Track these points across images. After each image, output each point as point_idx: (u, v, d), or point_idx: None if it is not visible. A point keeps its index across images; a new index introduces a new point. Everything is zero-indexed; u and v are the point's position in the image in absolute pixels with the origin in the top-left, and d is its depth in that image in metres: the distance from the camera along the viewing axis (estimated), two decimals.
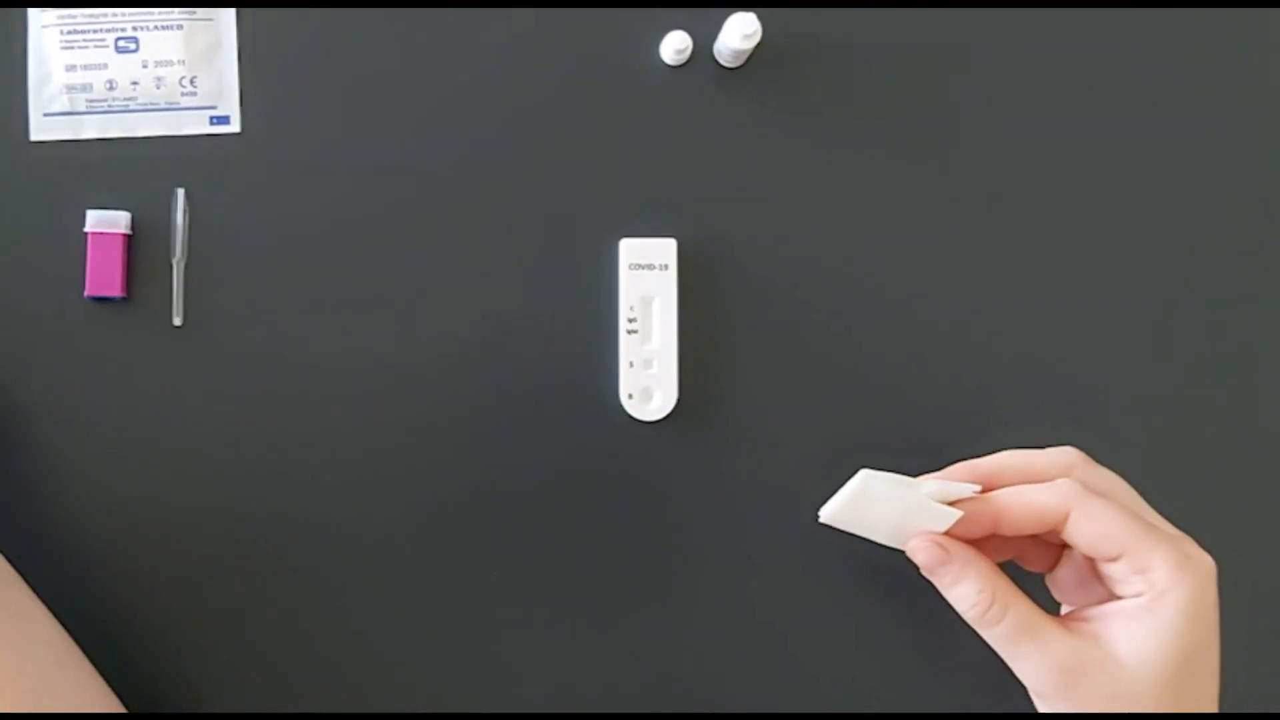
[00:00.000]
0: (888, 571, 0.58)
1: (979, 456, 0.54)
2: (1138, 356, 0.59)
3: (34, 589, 0.53)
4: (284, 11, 0.58)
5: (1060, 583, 0.52)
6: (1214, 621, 0.47)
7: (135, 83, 0.57)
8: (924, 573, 0.50)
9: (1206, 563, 0.47)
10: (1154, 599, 0.46)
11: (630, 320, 0.57)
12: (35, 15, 0.57)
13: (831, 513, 0.51)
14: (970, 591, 0.48)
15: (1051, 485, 0.48)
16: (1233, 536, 0.59)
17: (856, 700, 0.58)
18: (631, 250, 0.57)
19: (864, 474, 0.49)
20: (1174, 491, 0.56)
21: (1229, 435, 0.59)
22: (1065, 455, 0.51)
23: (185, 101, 0.57)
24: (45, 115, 0.57)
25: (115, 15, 0.57)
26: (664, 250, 0.57)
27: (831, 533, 0.58)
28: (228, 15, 0.58)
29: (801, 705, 0.58)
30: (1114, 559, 0.47)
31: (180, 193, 0.57)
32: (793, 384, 0.58)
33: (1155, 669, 0.45)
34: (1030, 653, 0.47)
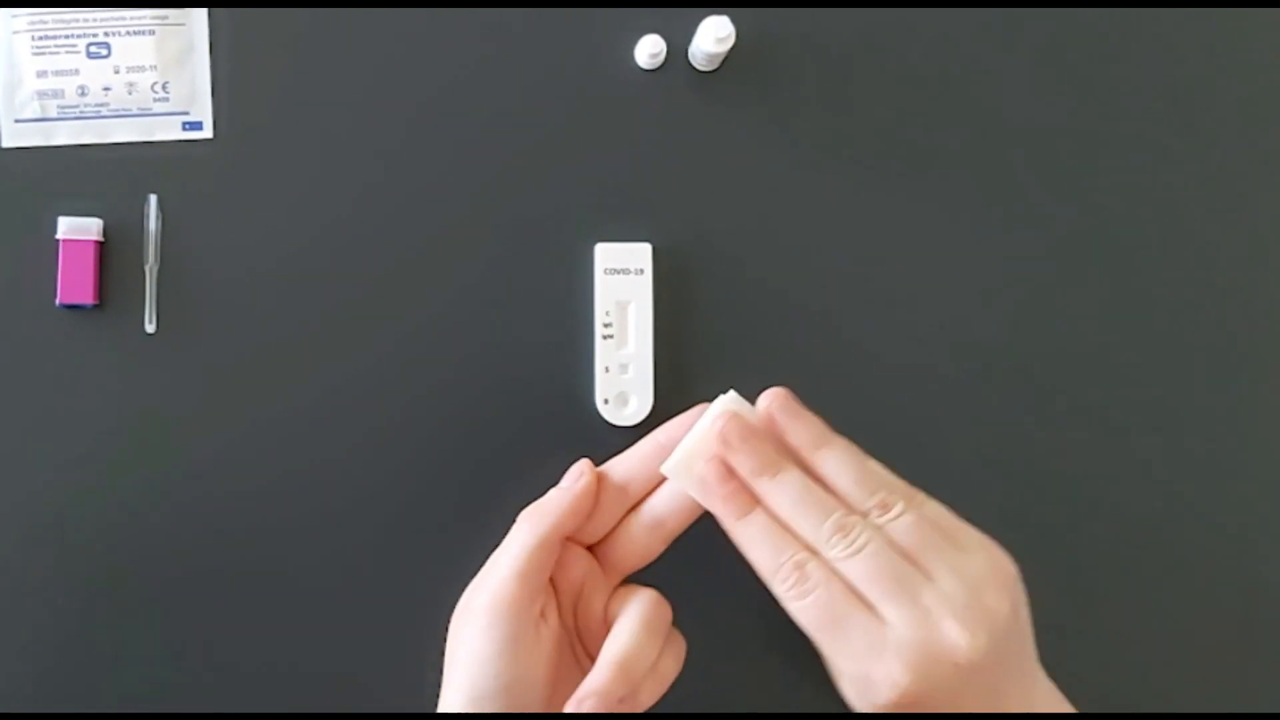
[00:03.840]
0: None
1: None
2: (1115, 357, 0.59)
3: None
4: (256, 18, 0.58)
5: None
6: None
7: (107, 88, 0.57)
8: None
9: None
10: None
11: (606, 325, 0.57)
12: (6, 21, 0.57)
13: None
14: None
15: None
16: (1233, 537, 0.59)
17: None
18: (607, 255, 0.57)
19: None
20: (1158, 490, 0.56)
21: (1230, 439, 0.59)
22: None
23: (157, 107, 0.57)
24: (16, 121, 0.57)
25: (87, 21, 0.57)
26: (639, 255, 0.57)
27: None
28: (200, 21, 0.57)
29: (789, 706, 0.58)
30: None
31: (153, 199, 0.57)
32: (767, 388, 0.58)
33: None
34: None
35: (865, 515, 0.45)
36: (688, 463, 0.48)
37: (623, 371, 0.57)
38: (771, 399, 0.48)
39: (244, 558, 0.57)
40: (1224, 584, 0.59)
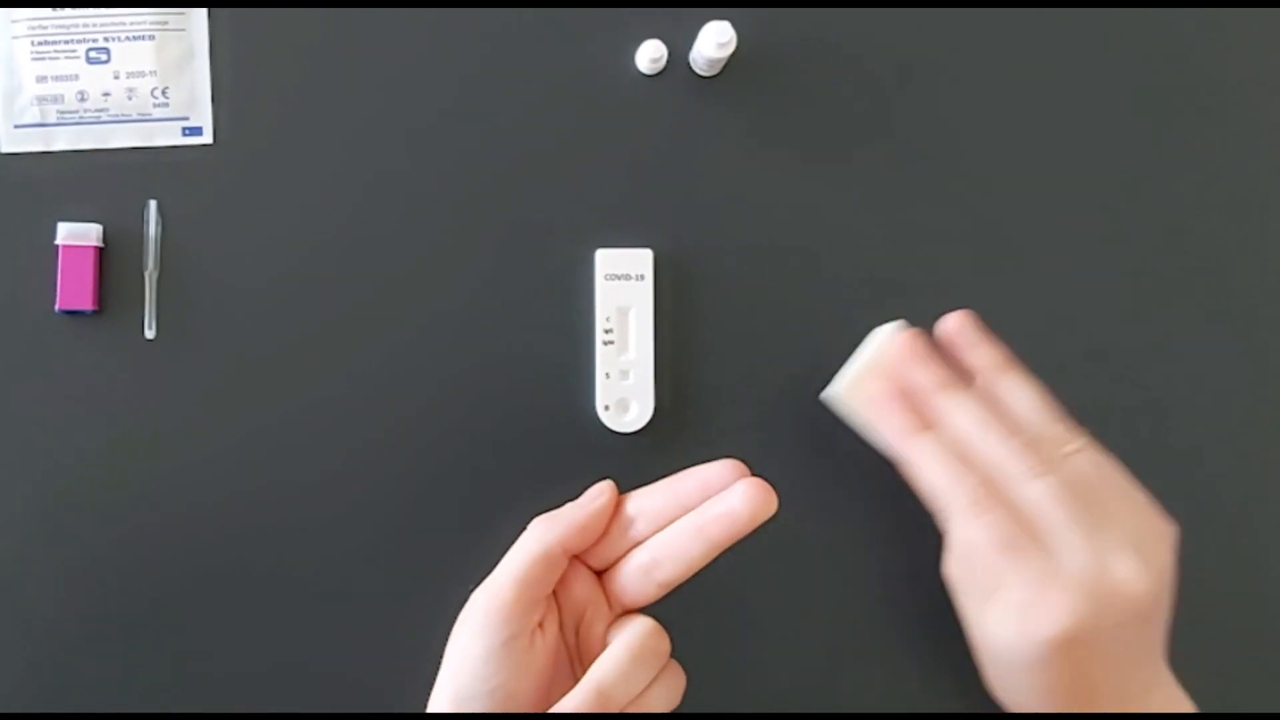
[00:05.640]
0: (868, 574, 0.58)
1: None
2: (1125, 358, 0.59)
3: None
4: (256, 23, 0.58)
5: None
6: None
7: (107, 94, 0.57)
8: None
9: None
10: None
11: (606, 331, 0.57)
12: (5, 26, 0.57)
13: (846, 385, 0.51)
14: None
15: None
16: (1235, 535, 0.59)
17: (843, 704, 0.58)
18: (608, 261, 0.57)
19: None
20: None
21: (1234, 439, 0.59)
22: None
23: (157, 113, 0.57)
24: (16, 127, 0.57)
25: (86, 26, 0.57)
26: (640, 260, 0.57)
27: (810, 540, 0.58)
28: (200, 26, 0.57)
29: (787, 708, 0.58)
30: None
31: (152, 204, 0.57)
32: (770, 394, 0.58)
33: None
34: None
35: (1048, 444, 0.45)
36: (857, 383, 0.49)
37: (623, 378, 0.57)
38: (955, 320, 0.49)
39: (243, 564, 0.57)
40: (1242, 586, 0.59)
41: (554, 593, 0.48)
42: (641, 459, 0.57)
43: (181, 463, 0.57)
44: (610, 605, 0.49)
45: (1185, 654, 0.59)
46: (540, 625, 0.47)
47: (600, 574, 0.49)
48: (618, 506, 0.49)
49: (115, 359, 0.57)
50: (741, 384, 0.58)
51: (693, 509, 0.47)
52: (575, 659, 0.49)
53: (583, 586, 0.49)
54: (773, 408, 0.58)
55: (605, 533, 0.48)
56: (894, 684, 0.58)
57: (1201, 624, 0.59)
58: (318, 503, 0.57)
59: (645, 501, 0.48)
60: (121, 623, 0.56)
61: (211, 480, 0.57)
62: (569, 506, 0.49)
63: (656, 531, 0.48)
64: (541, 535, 0.48)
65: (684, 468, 0.56)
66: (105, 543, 0.56)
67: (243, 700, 0.56)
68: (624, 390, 0.57)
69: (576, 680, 0.49)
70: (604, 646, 0.48)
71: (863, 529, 0.58)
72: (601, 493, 0.48)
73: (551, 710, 0.44)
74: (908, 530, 0.58)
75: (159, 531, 0.56)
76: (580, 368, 0.57)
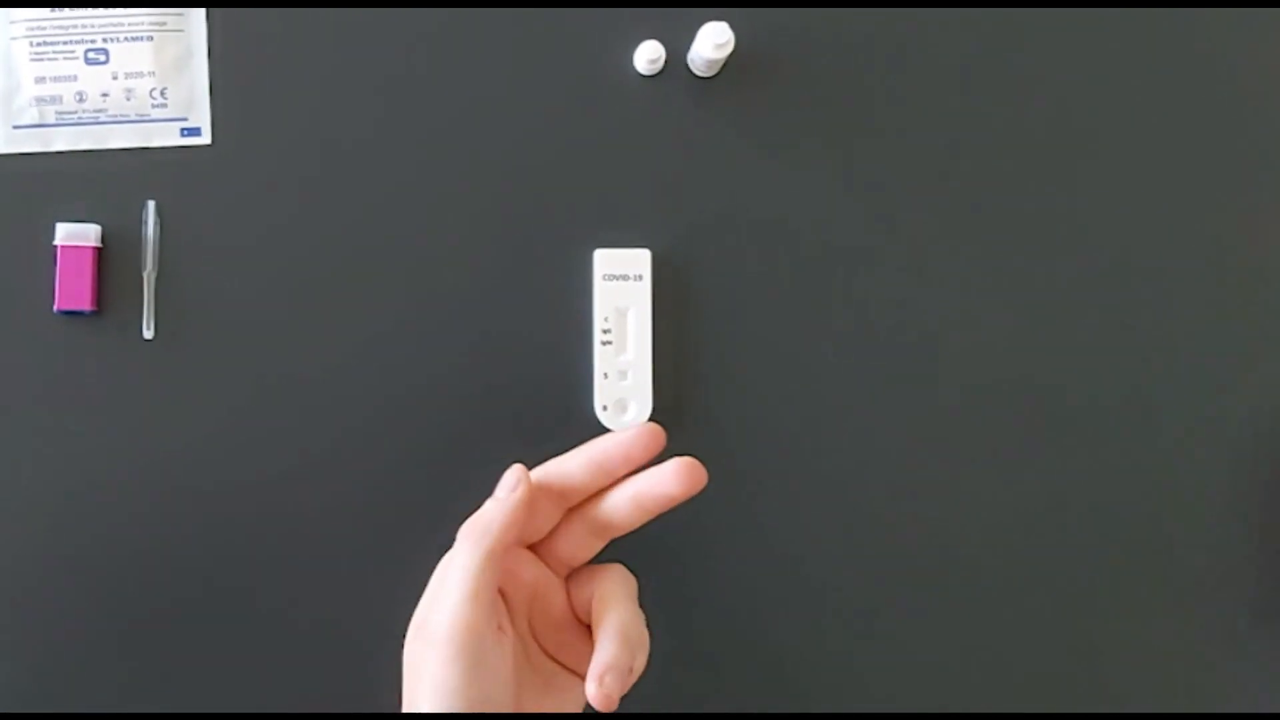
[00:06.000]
0: (867, 573, 0.58)
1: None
2: (1124, 365, 0.59)
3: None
4: (254, 23, 0.58)
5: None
6: None
7: (105, 94, 0.57)
8: None
9: None
10: None
11: (605, 331, 0.57)
12: (4, 27, 0.57)
13: None
14: None
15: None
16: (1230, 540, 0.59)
17: (840, 704, 0.58)
18: (606, 261, 0.57)
19: None
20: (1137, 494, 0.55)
21: (1220, 445, 0.59)
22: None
23: (155, 113, 0.57)
24: (14, 128, 0.57)
25: (85, 26, 0.57)
26: (638, 261, 0.57)
27: (806, 542, 0.58)
28: (198, 26, 0.57)
29: (785, 708, 0.58)
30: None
31: (151, 205, 0.57)
32: (768, 394, 0.58)
33: None
34: None
35: None
36: None
37: (621, 378, 0.57)
38: None
39: (241, 563, 0.57)
40: (1225, 591, 0.59)
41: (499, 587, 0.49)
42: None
43: (180, 463, 0.57)
44: (555, 570, 0.51)
45: (1207, 645, 0.59)
46: (500, 627, 0.48)
47: (533, 545, 0.51)
48: (542, 482, 0.50)
49: (114, 359, 0.57)
50: (740, 384, 0.58)
51: (617, 473, 0.50)
52: (531, 640, 0.50)
53: (526, 569, 0.50)
54: (771, 408, 0.58)
55: (537, 509, 0.50)
56: (894, 682, 0.58)
57: (1203, 623, 0.59)
58: (314, 503, 0.57)
59: (573, 469, 0.50)
60: (121, 622, 0.56)
61: (210, 480, 0.57)
62: (490, 505, 0.49)
63: (587, 498, 0.50)
64: (478, 543, 0.48)
65: None
66: (104, 542, 0.56)
67: (242, 700, 0.57)
68: (622, 390, 0.57)
69: (532, 661, 0.50)
70: (569, 613, 0.50)
71: (862, 528, 0.58)
72: (518, 482, 0.50)
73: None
74: (907, 529, 0.58)
75: (158, 531, 0.57)
76: (578, 368, 0.57)
